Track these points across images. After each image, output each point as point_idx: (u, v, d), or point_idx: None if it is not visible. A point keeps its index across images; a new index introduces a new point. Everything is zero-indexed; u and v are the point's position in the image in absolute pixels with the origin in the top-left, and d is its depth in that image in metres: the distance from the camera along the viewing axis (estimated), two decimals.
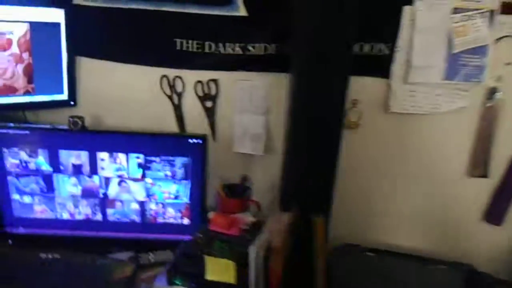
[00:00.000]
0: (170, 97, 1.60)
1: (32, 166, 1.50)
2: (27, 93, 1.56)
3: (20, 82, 1.55)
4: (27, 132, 1.47)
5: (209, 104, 1.60)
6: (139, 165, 1.51)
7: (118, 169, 1.51)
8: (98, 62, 1.59)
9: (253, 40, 1.47)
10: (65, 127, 1.51)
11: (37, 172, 1.51)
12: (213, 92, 1.58)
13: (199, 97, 1.59)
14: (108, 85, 1.61)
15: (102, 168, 1.51)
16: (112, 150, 1.49)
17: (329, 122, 1.32)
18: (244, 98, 1.55)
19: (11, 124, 1.54)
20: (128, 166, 1.51)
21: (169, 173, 1.52)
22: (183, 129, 1.63)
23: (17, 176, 1.51)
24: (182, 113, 1.61)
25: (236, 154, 1.62)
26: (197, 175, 1.53)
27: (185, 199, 1.56)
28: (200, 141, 1.49)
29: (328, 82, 1.28)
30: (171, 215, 1.57)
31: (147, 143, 1.49)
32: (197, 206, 1.55)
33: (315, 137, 1.33)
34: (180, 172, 1.52)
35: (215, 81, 1.56)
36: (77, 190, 1.54)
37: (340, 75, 1.27)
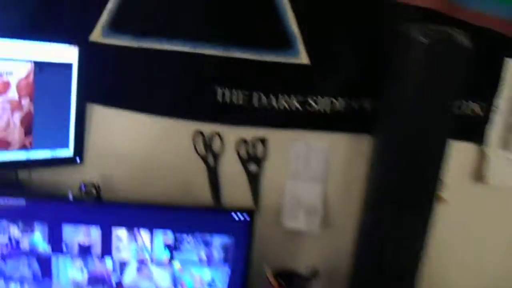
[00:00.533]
0: (204, 158, 1.30)
1: (25, 245, 1.15)
2: (23, 148, 1.24)
3: (16, 134, 1.22)
4: (20, 201, 1.14)
5: (253, 168, 1.30)
6: (166, 245, 1.18)
7: (138, 250, 1.19)
8: (114, 112, 1.28)
9: (316, 93, 1.20)
10: (71, 194, 1.18)
11: (31, 252, 1.15)
12: (259, 153, 1.29)
13: (242, 160, 1.29)
14: (125, 140, 1.31)
15: (118, 249, 1.17)
16: (132, 225, 1.16)
17: (420, 195, 1.06)
18: (298, 162, 1.27)
19: None
20: (152, 246, 1.18)
21: (203, 255, 1.19)
22: (218, 198, 1.32)
23: (4, 257, 1.16)
24: (218, 178, 1.31)
25: (285, 231, 1.32)
26: (239, 259, 1.20)
27: None
28: (247, 218, 1.19)
29: (425, 148, 1.02)
30: None
31: (178, 217, 1.17)
32: None
33: (402, 214, 1.06)
34: (217, 254, 1.20)
35: (263, 140, 1.28)
36: (82, 277, 1.19)
37: (439, 140, 1.02)
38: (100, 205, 1.16)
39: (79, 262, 1.17)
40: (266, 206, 1.31)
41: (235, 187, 1.31)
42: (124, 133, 1.30)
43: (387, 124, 1.08)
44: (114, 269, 1.18)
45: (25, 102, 1.20)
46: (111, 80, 1.27)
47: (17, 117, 1.19)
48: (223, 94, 1.23)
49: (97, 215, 1.15)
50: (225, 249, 1.18)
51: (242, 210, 1.17)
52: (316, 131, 1.24)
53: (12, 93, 1.18)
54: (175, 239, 1.17)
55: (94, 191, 1.11)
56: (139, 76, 1.25)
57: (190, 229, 1.17)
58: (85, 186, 1.13)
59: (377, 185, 1.11)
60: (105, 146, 1.31)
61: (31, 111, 1.21)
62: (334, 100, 1.20)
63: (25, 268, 1.16)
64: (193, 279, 1.20)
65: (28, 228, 1.13)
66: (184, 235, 1.17)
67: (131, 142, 1.31)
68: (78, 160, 1.34)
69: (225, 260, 1.19)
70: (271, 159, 1.29)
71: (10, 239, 1.13)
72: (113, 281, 1.19)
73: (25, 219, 1.13)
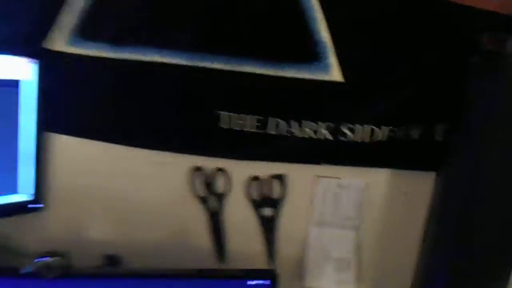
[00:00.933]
0: (204, 200, 1.01)
1: None
2: None
3: None
4: None
5: (267, 212, 1.02)
6: None
7: None
8: (84, 144, 0.97)
9: (352, 119, 0.92)
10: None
11: None
12: (275, 194, 1.01)
13: (253, 202, 1.01)
14: (99, 179, 0.99)
15: None
16: None
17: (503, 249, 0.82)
18: (326, 204, 1.01)
19: None
20: None
21: None
22: (222, 252, 1.03)
23: None
24: (220, 226, 1.02)
25: None
26: None
27: None
28: (268, 283, 0.92)
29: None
30: None
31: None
32: None
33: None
34: None
35: (280, 177, 1.00)
36: None
37: None
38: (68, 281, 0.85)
39: None
40: (283, 260, 1.02)
41: (243, 237, 1.02)
42: (99, 171, 0.99)
43: (461, 160, 0.84)
44: None
45: None
46: (80, 102, 0.95)
47: None
48: (229, 120, 0.94)
49: None
50: None
51: (260, 275, 0.90)
52: (349, 166, 0.97)
53: None
54: None
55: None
56: (117, 97, 0.95)
57: None
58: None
59: (438, 238, 0.87)
60: (73, 188, 1.01)
61: None
62: (375, 128, 0.93)
63: None
64: None
65: None
66: None
67: (108, 183, 1.00)
68: (40, 205, 1.04)
69: None
70: (290, 201, 1.00)
71: None
72: None
73: None
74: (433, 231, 0.92)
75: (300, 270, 1.02)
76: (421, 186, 0.98)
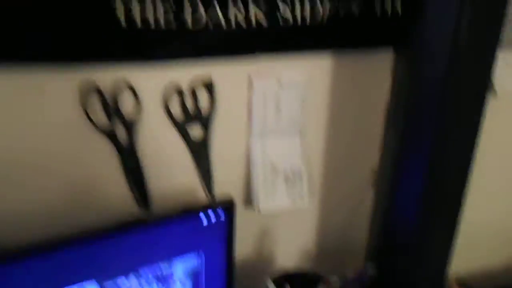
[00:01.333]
0: (109, 133, 0.73)
1: None
2: None
3: None
4: None
5: (196, 132, 0.79)
6: None
7: None
8: None
9: None
10: None
11: None
12: (203, 106, 0.79)
13: (175, 123, 0.78)
14: None
15: None
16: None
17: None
18: (267, 110, 0.82)
19: None
20: None
21: None
22: (144, 194, 0.76)
23: None
24: (138, 162, 0.75)
25: (261, 217, 0.86)
26: (216, 284, 0.74)
27: None
28: (222, 214, 0.71)
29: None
30: None
31: (104, 252, 0.62)
32: None
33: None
34: None
35: (207, 86, 0.77)
36: None
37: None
38: None
39: None
40: (223, 187, 0.82)
41: (169, 170, 0.78)
42: None
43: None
44: None
45: None
46: None
47: None
48: (129, 12, 0.65)
49: None
50: (195, 276, 0.70)
51: (215, 206, 0.69)
52: (284, 57, 0.79)
53: None
54: None
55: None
56: None
57: (133, 262, 0.64)
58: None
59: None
60: None
61: None
62: (316, 6, 0.75)
63: None
64: None
65: None
66: (121, 278, 0.64)
67: None
68: None
69: None
70: (223, 114, 0.78)
71: None
72: None
73: None
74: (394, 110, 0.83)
75: (248, 191, 0.84)
76: (367, 68, 0.85)
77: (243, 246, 0.81)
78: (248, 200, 0.85)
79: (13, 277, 0.56)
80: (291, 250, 0.87)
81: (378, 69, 0.86)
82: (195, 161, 0.80)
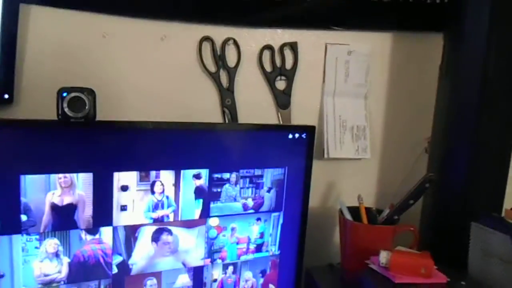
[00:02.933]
0: (214, 76, 0.93)
1: None
2: None
3: None
4: None
5: (281, 84, 0.97)
6: (198, 193, 0.78)
7: (155, 207, 0.75)
8: (63, 15, 0.82)
9: None
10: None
11: None
12: (288, 64, 0.98)
13: (266, 74, 0.96)
14: (83, 60, 0.84)
15: (123, 208, 0.73)
16: (146, 165, 0.73)
17: None
18: (339, 73, 1.00)
19: None
20: (178, 198, 0.77)
21: (250, 201, 0.83)
22: None
23: None
24: (234, 102, 0.94)
25: (329, 162, 1.01)
26: (294, 199, 0.87)
27: (273, 249, 0.87)
28: (304, 136, 0.86)
29: None
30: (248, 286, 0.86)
31: (214, 147, 0.78)
32: (291, 258, 0.87)
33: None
34: (268, 196, 0.85)
35: (292, 45, 0.97)
36: (58, 267, 0.70)
37: None
38: (92, 130, 0.67)
39: (52, 242, 0.68)
40: None
41: (257, 111, 0.96)
42: (83, 51, 0.84)
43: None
44: (115, 247, 0.72)
45: None
46: None
47: None
48: None
49: (85, 149, 0.67)
50: (279, 186, 0.84)
51: (299, 128, 0.85)
52: (356, 30, 0.98)
53: None
54: (211, 182, 0.78)
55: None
56: None
57: (233, 163, 0.79)
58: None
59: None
60: (52, 73, 0.84)
61: None
62: None
63: None
64: (237, 241, 0.82)
65: None
66: (224, 174, 0.79)
67: (95, 65, 0.85)
68: (6, 96, 0.83)
69: (277, 203, 0.84)
70: (302, 71, 0.97)
71: None
72: (114, 265, 0.73)
73: None
74: (445, 88, 0.95)
75: (318, 141, 0.98)
76: (422, 48, 1.03)
77: (314, 185, 0.94)
78: (319, 150, 0.99)
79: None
80: (353, 193, 0.99)
81: (430, 48, 1.01)
82: (278, 108, 0.97)
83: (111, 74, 0.87)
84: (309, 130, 0.84)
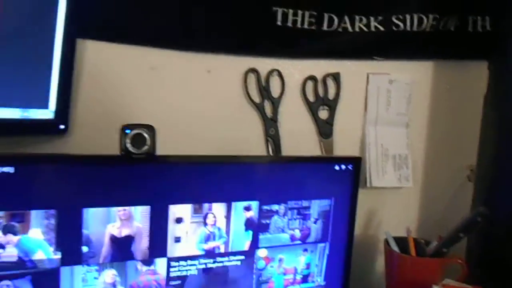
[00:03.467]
0: (259, 106, 0.95)
1: (8, 253, 0.64)
2: None
3: None
4: (6, 167, 0.61)
5: (323, 114, 0.99)
6: (248, 224, 0.80)
7: (207, 238, 0.77)
8: (119, 49, 0.86)
9: (400, 9, 0.95)
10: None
11: (20, 266, 0.64)
12: (331, 94, 0.99)
13: (309, 104, 0.98)
14: (136, 90, 0.87)
15: (177, 240, 0.74)
16: (200, 197, 0.74)
17: None
18: (380, 102, 1.01)
19: None
20: (229, 229, 0.78)
21: (298, 232, 0.84)
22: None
23: None
24: (278, 131, 0.95)
25: (371, 191, 1.00)
26: (340, 230, 0.88)
27: (318, 279, 0.87)
28: (350, 167, 0.87)
29: None
30: None
31: (263, 179, 0.79)
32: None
33: None
34: (315, 227, 0.85)
35: (335, 76, 0.98)
36: None
37: None
38: (149, 164, 0.69)
39: (109, 273, 0.70)
40: None
41: (300, 141, 0.97)
42: (136, 81, 0.87)
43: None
44: (167, 278, 0.74)
45: None
46: (116, 2, 0.84)
47: None
48: (285, 17, 0.91)
49: (144, 184, 0.70)
50: (325, 217, 0.85)
51: (345, 160, 0.86)
52: (399, 59, 0.99)
53: None
54: (261, 213, 0.79)
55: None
56: None
57: (282, 195, 0.80)
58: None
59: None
60: (106, 103, 0.87)
61: None
62: (423, 17, 0.96)
63: None
64: (284, 272, 0.83)
65: (15, 222, 0.63)
66: (274, 205, 0.80)
67: (148, 95, 0.88)
68: (62, 126, 0.87)
69: (324, 234, 0.85)
70: (345, 100, 0.98)
71: None
72: None
73: (12, 204, 0.63)
74: (491, 117, 0.95)
75: (361, 170, 0.97)
76: (464, 77, 1.03)
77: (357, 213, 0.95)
78: (361, 179, 0.96)
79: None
80: (395, 222, 0.99)
81: (473, 76, 1.02)
82: (321, 137, 0.98)
83: (158, 106, 0.90)
84: (355, 161, 0.85)
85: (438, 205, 1.05)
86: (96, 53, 0.86)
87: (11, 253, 0.63)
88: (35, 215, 0.63)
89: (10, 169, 0.62)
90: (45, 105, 0.83)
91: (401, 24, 0.96)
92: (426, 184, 1.06)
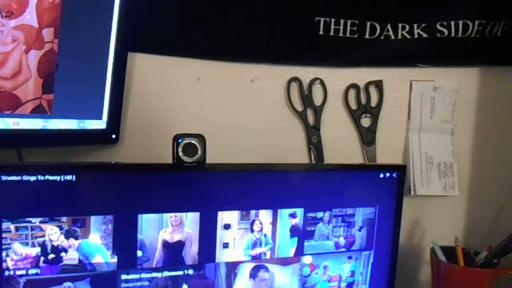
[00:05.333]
0: (302, 115, 0.96)
1: (70, 256, 0.68)
2: (37, 112, 0.78)
3: (30, 87, 0.77)
4: (68, 175, 0.66)
5: (366, 122, 0.99)
6: (293, 231, 0.81)
7: (253, 245, 0.79)
8: (165, 61, 0.90)
9: (444, 16, 0.94)
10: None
11: (80, 268, 0.68)
12: (373, 102, 0.99)
13: (351, 112, 0.99)
14: (183, 100, 0.92)
15: (225, 246, 0.77)
16: (246, 205, 0.76)
17: None
18: (424, 109, 1.00)
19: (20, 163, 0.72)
20: (275, 236, 0.80)
21: (342, 240, 0.85)
22: None
23: (30, 285, 0.66)
24: (320, 139, 0.97)
25: (416, 199, 0.99)
26: (385, 238, 0.88)
27: (363, 287, 0.87)
28: (395, 175, 0.87)
29: None
30: None
31: (308, 186, 0.80)
32: None
33: None
34: (360, 235, 0.86)
35: (377, 84, 0.99)
36: None
37: None
38: (200, 172, 0.71)
39: (162, 277, 0.73)
40: None
41: (342, 148, 0.98)
42: (183, 92, 0.91)
43: None
44: (216, 281, 0.76)
45: (48, 34, 0.76)
46: (163, 16, 0.89)
47: (33, 58, 0.75)
48: (328, 26, 0.92)
49: (192, 191, 0.72)
50: (369, 225, 0.85)
51: (389, 168, 0.86)
52: (442, 66, 0.98)
53: (30, 16, 0.74)
54: (306, 221, 0.80)
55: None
56: (210, 7, 0.89)
57: (327, 203, 0.81)
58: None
59: None
60: (152, 114, 0.91)
61: (54, 50, 0.78)
62: (468, 23, 0.95)
63: None
64: (328, 279, 0.83)
65: (75, 227, 0.67)
66: (318, 213, 0.81)
67: (195, 104, 0.92)
68: (113, 136, 0.92)
69: (368, 242, 0.85)
70: (388, 108, 0.98)
71: (43, 248, 0.66)
72: None
73: (73, 210, 0.67)
74: None
75: (407, 179, 0.97)
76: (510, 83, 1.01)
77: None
78: (405, 187, 0.96)
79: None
80: (440, 231, 0.97)
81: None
82: (364, 145, 0.98)
83: (205, 115, 0.93)
84: (400, 169, 0.85)
85: (486, 214, 1.02)
86: (145, 66, 0.91)
87: (72, 257, 0.67)
88: (94, 221, 0.67)
89: (71, 177, 0.67)
90: (99, 116, 0.89)
91: (446, 31, 0.95)
92: (474, 192, 1.03)
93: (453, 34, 0.95)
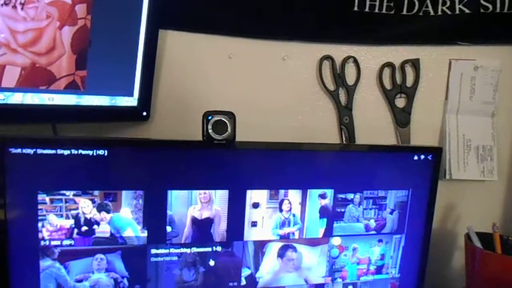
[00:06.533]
0: (333, 94, 0.95)
1: (102, 229, 0.70)
2: (71, 88, 0.80)
3: (64, 63, 0.78)
4: (100, 150, 0.68)
5: (401, 102, 0.96)
6: (323, 212, 0.80)
7: (282, 224, 0.79)
8: (195, 39, 0.89)
9: None
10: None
11: (112, 241, 0.70)
12: (409, 81, 0.96)
13: (385, 92, 0.96)
14: (214, 79, 0.91)
15: (253, 224, 0.77)
16: (276, 184, 0.75)
17: None
18: (463, 89, 0.97)
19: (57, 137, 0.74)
20: (304, 216, 0.80)
21: (373, 222, 0.83)
22: None
23: (64, 256, 0.69)
24: (352, 120, 0.95)
25: (452, 184, 0.97)
26: (417, 222, 0.86)
27: (393, 271, 0.86)
28: (430, 158, 0.85)
29: None
30: None
31: (339, 167, 0.79)
32: (412, 281, 0.85)
33: None
34: (391, 218, 0.84)
35: (414, 63, 0.95)
36: (195, 276, 0.76)
37: None
38: (230, 152, 0.71)
39: (190, 253, 0.74)
40: None
41: (375, 129, 0.95)
42: (214, 70, 0.90)
43: None
44: (243, 259, 0.76)
45: (81, 10, 0.77)
46: None
47: (67, 34, 0.76)
48: (363, 2, 0.89)
49: (223, 170, 0.72)
50: (401, 208, 0.83)
51: (424, 150, 0.83)
52: (483, 45, 0.93)
53: None
54: (335, 202, 0.79)
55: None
56: None
57: (358, 184, 0.79)
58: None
59: None
60: (183, 92, 0.91)
61: (87, 27, 0.79)
62: None
63: (100, 275, 0.70)
64: (357, 261, 0.82)
65: (107, 201, 0.69)
66: (349, 194, 0.80)
67: (225, 82, 0.91)
68: (144, 113, 0.93)
69: (400, 225, 0.83)
70: (424, 88, 0.95)
71: (77, 220, 0.67)
72: (243, 277, 0.77)
73: (105, 184, 0.69)
74: None
75: (442, 162, 0.94)
76: None
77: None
78: (444, 168, 0.95)
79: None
80: (476, 217, 0.94)
81: None
82: (397, 126, 0.95)
83: (235, 93, 0.93)
84: (436, 152, 0.82)
85: None
86: (176, 43, 0.91)
87: (104, 229, 0.68)
88: (125, 195, 0.69)
89: (103, 152, 0.68)
90: (130, 93, 0.89)
91: (490, 6, 0.90)
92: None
93: (498, 10, 0.90)
